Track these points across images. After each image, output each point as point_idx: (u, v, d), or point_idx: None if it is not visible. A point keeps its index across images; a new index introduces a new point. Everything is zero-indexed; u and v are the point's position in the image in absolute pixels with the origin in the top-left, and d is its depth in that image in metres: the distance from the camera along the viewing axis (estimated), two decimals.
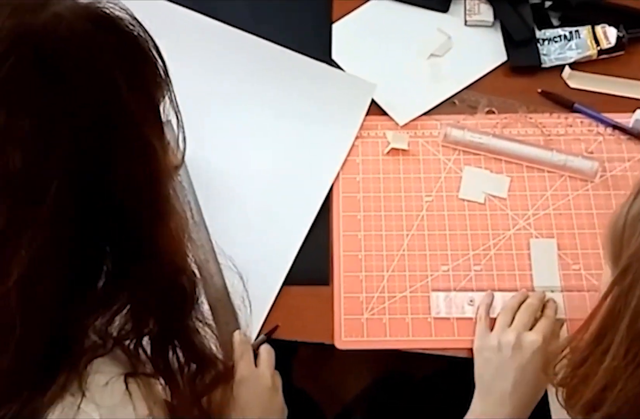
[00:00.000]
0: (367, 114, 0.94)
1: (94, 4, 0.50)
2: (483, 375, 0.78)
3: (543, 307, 0.81)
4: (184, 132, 0.60)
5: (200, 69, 0.95)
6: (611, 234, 0.54)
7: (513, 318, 0.79)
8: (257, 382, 0.76)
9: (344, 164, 0.92)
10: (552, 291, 0.83)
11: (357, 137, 0.93)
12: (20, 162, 0.44)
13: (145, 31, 0.53)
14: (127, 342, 0.56)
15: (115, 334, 0.54)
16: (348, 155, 0.92)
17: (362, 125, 0.94)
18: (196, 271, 0.59)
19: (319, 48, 0.99)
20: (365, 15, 1.03)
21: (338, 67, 0.98)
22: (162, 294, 0.55)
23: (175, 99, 0.56)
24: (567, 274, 0.84)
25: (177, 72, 0.97)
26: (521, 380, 0.75)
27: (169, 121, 0.56)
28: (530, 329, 0.78)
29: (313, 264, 0.86)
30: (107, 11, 0.50)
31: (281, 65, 0.96)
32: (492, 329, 0.79)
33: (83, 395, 0.50)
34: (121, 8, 0.51)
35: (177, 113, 0.58)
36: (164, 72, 0.55)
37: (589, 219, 0.87)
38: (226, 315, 0.81)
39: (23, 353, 0.48)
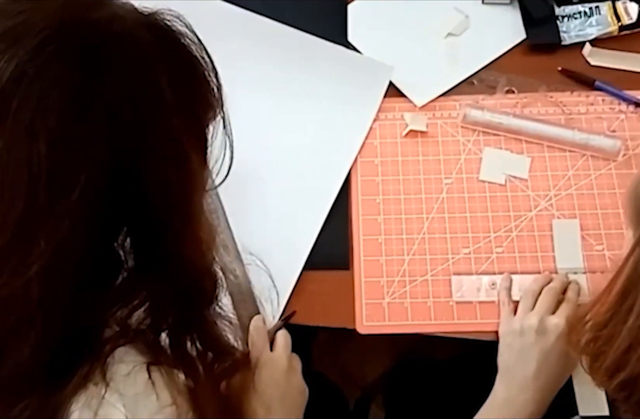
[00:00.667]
0: (385, 96, 0.93)
1: (157, 14, 0.51)
2: (506, 359, 0.77)
3: (565, 290, 0.80)
4: (232, 152, 0.59)
5: (213, 53, 0.95)
6: (632, 197, 0.54)
7: (535, 302, 0.79)
8: (273, 365, 0.76)
9: (362, 147, 0.91)
10: (575, 273, 0.82)
11: (374, 120, 0.92)
12: (45, 151, 0.44)
13: (204, 49, 0.53)
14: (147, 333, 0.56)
15: (134, 327, 0.54)
16: (366, 138, 0.91)
17: (379, 107, 0.92)
18: (219, 271, 0.59)
19: (335, 30, 0.97)
20: None
21: (355, 49, 0.97)
22: (183, 295, 0.55)
23: (228, 121, 0.57)
24: (590, 255, 0.83)
25: None
26: (544, 364, 0.75)
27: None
28: (553, 313, 0.77)
29: (333, 248, 0.86)
30: (168, 23, 0.51)
31: (298, 48, 0.95)
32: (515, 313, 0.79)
33: (107, 385, 0.50)
34: (183, 23, 0.52)
35: (227, 135, 0.58)
36: (217, 91, 0.54)
37: (612, 199, 0.86)
38: (248, 307, 0.82)
39: (43, 343, 0.48)
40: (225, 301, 0.63)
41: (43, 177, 0.44)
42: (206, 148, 0.56)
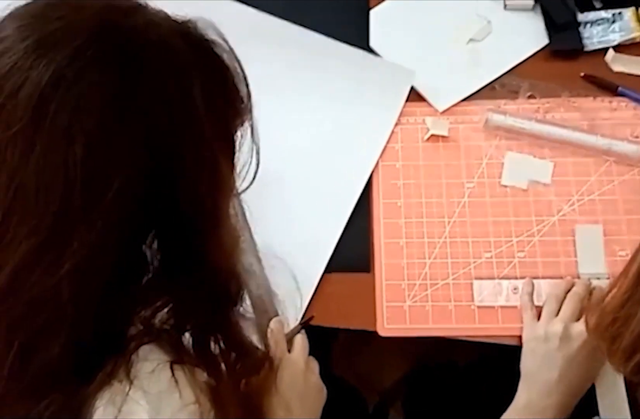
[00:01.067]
0: (406, 100, 0.93)
1: (190, 22, 0.52)
2: (529, 365, 0.77)
3: (590, 296, 0.80)
4: (258, 158, 0.61)
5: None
6: None
7: (559, 307, 0.78)
8: (291, 367, 0.77)
9: (383, 151, 0.91)
10: (598, 278, 0.82)
11: (396, 124, 0.92)
12: (82, 155, 0.44)
13: (236, 58, 0.54)
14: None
15: (158, 326, 0.55)
16: (387, 142, 0.91)
17: (401, 111, 0.93)
18: (243, 273, 0.60)
19: (357, 35, 0.97)
20: (402, 0, 1.02)
21: (376, 54, 0.97)
22: (207, 296, 0.56)
23: (255, 127, 0.58)
24: (613, 261, 0.83)
25: None
26: (568, 371, 0.75)
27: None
28: (577, 319, 0.77)
29: (354, 251, 0.86)
30: (201, 32, 0.52)
31: (320, 53, 0.95)
32: (539, 319, 0.79)
33: (131, 382, 0.50)
34: (216, 31, 0.53)
35: (254, 141, 0.59)
36: (246, 98, 0.56)
37: (635, 205, 0.85)
38: (267, 308, 0.82)
39: (72, 341, 0.48)
40: (248, 302, 0.64)
41: (78, 180, 0.45)
42: (234, 154, 0.57)
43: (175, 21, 0.52)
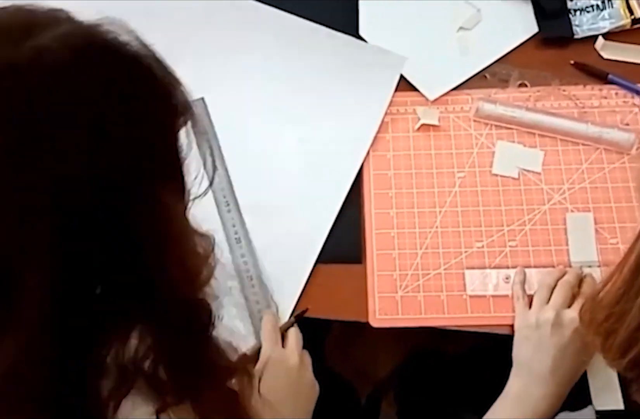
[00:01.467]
0: (396, 90, 0.92)
1: (93, 28, 0.45)
2: (521, 353, 0.77)
3: (580, 283, 0.80)
4: (213, 160, 0.55)
5: (226, 45, 0.94)
6: None
7: (550, 295, 0.78)
8: (284, 361, 0.76)
9: (373, 141, 0.90)
10: (590, 266, 0.82)
11: (386, 114, 0.92)
12: None
13: (152, 52, 0.47)
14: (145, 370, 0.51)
15: (131, 369, 0.50)
16: (378, 132, 0.91)
17: (391, 101, 0.92)
18: (214, 297, 0.54)
19: (346, 23, 0.96)
20: None
21: (365, 42, 0.96)
22: (176, 329, 0.51)
23: (202, 126, 0.52)
24: (604, 249, 0.83)
25: (203, 48, 0.97)
26: (560, 359, 0.74)
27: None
28: (569, 306, 0.77)
29: (345, 242, 0.85)
30: (107, 37, 0.45)
31: (308, 40, 0.95)
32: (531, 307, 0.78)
33: None
34: (127, 31, 0.46)
35: (210, 147, 0.54)
36: (182, 102, 0.48)
37: (625, 192, 0.85)
38: (260, 300, 0.81)
39: None
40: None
41: None
42: (179, 176, 0.49)
43: (71, 35, 0.43)
